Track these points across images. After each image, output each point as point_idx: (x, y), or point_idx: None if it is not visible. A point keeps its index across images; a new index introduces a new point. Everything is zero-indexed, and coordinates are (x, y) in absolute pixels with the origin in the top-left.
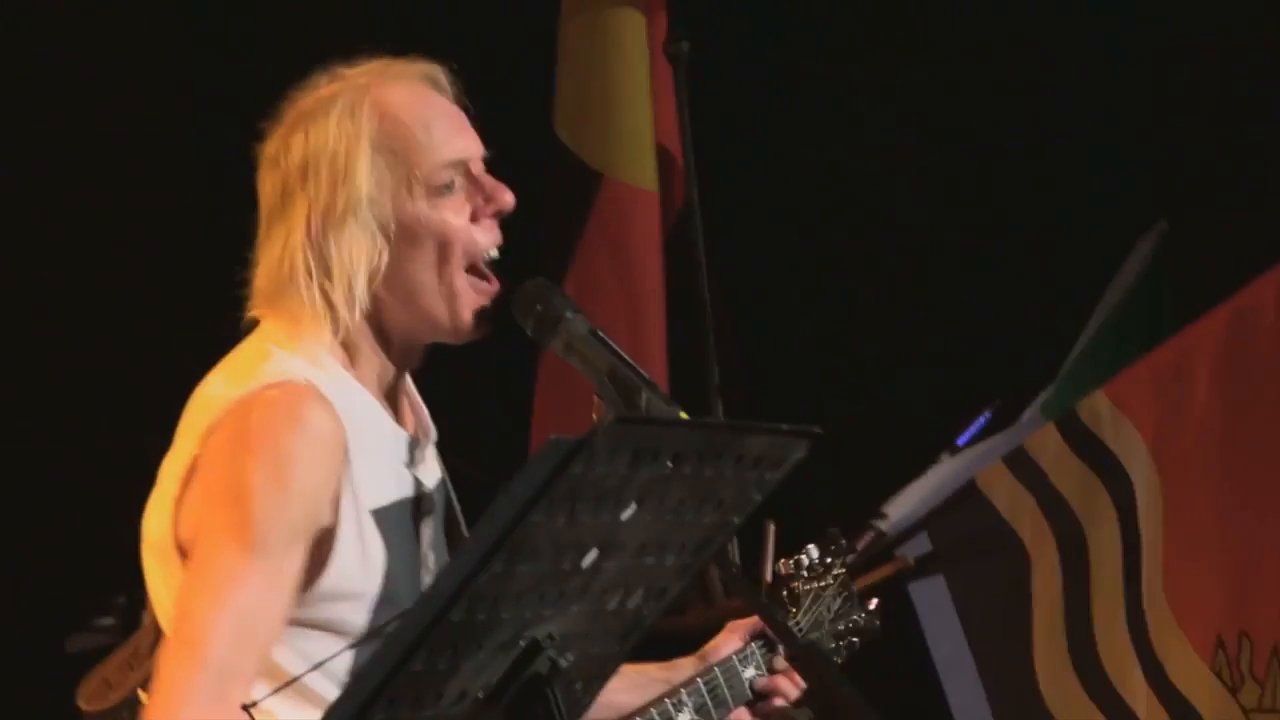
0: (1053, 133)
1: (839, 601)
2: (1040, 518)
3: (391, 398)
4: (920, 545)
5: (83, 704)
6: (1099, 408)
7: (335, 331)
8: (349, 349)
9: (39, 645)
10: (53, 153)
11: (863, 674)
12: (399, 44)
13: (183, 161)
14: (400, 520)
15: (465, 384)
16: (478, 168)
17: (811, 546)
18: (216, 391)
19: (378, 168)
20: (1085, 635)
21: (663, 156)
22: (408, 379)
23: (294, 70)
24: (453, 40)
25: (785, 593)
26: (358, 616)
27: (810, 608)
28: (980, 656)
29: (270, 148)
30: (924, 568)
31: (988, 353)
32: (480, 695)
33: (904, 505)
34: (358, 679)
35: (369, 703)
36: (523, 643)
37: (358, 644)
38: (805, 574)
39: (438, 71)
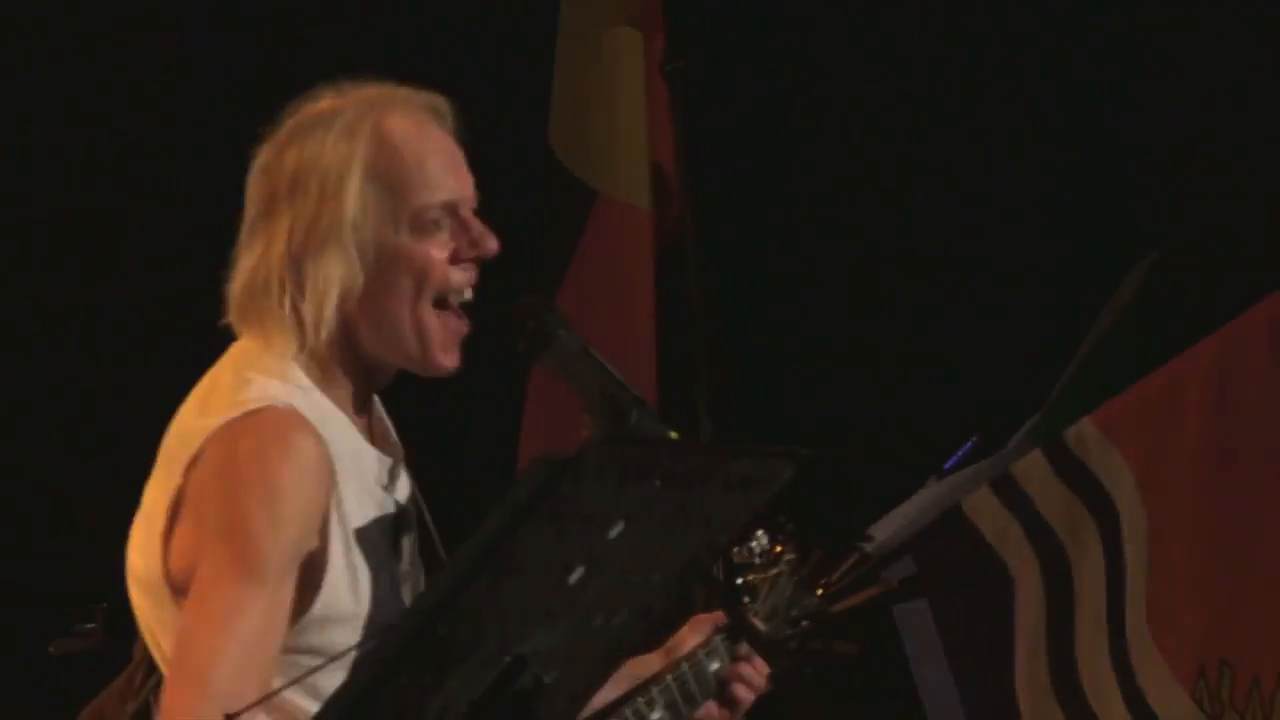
0: (1045, 160)
1: (791, 588)
2: (1026, 544)
3: (363, 416)
4: (905, 569)
5: None
6: (1086, 435)
7: (303, 348)
8: (321, 366)
9: (23, 650)
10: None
11: (848, 696)
12: (396, 56)
13: (183, 164)
14: (382, 541)
15: (453, 398)
16: (467, 211)
17: (761, 533)
18: (196, 421)
19: (366, 195)
20: (1068, 662)
21: (658, 175)
22: (375, 398)
23: (288, 74)
24: (450, 55)
25: (741, 583)
26: (349, 639)
27: (767, 596)
28: (963, 680)
29: (264, 155)
30: (908, 591)
31: (976, 378)
32: (464, 711)
33: (889, 529)
34: (339, 694)
35: (351, 718)
36: (507, 659)
37: (330, 661)
38: (758, 561)
39: (442, 103)
